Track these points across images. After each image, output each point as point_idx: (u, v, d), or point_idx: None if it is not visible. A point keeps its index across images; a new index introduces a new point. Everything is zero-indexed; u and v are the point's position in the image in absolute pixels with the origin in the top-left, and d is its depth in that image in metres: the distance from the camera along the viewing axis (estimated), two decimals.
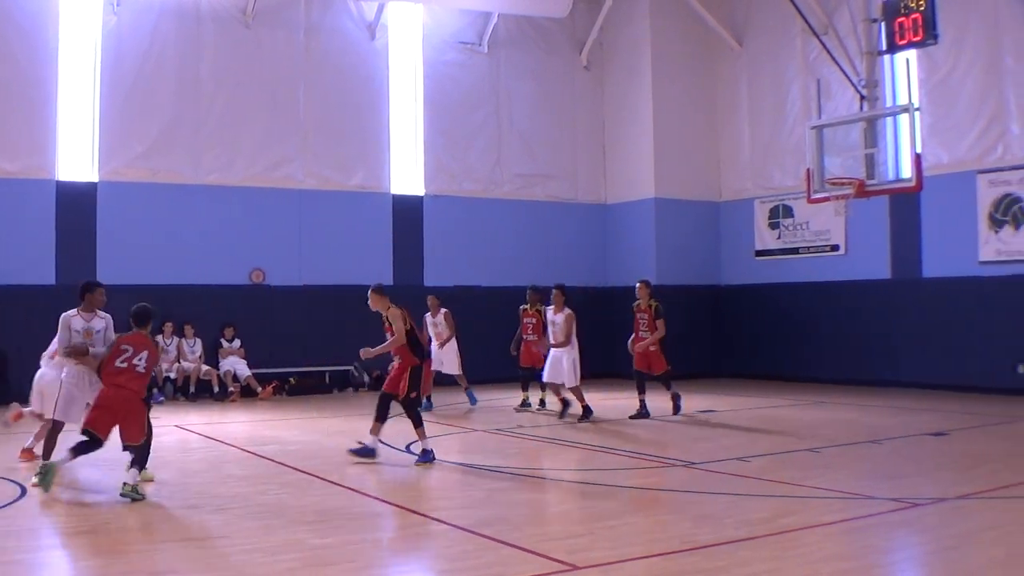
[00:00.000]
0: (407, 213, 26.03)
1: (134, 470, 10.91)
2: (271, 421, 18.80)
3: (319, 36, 25.13)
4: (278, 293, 24.08)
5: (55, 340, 12.91)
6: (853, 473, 12.61)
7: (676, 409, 18.50)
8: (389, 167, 25.98)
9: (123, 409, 11.09)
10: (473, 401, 20.27)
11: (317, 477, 12.23)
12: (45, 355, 13.51)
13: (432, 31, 26.77)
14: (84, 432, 11.09)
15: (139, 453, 11.10)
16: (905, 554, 8.99)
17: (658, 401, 18.40)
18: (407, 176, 26.40)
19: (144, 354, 11.30)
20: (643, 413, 18.24)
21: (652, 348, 18.40)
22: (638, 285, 18.79)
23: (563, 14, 27.29)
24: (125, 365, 11.19)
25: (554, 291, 18.37)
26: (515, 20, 27.62)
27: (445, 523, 9.75)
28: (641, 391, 18.48)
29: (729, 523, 9.59)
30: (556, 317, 18.23)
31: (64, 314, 11.96)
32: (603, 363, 24.52)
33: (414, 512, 10.43)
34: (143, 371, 11.31)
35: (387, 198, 25.84)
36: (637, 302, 18.66)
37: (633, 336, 18.76)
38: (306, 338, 24.00)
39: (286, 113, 24.62)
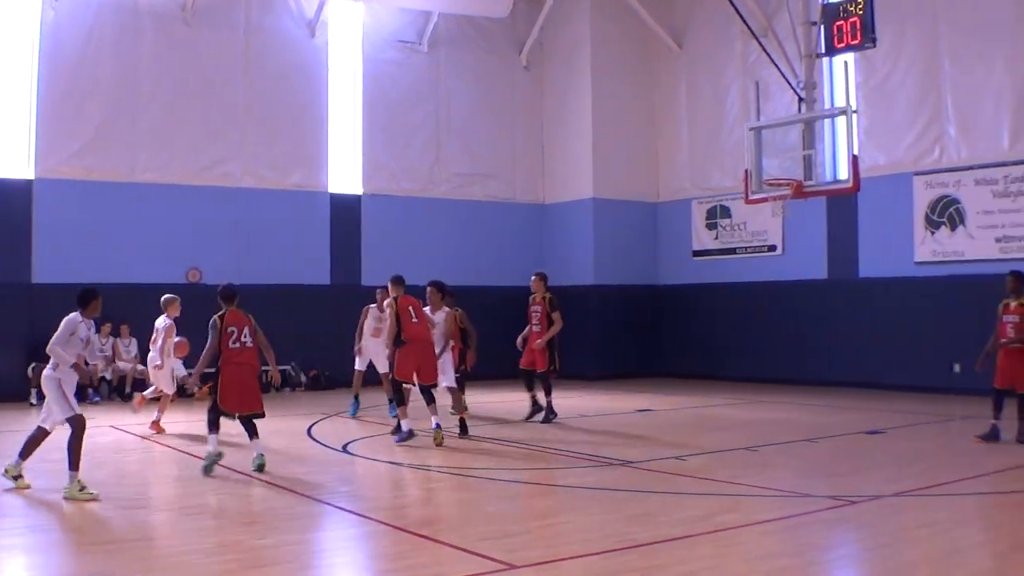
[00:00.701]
0: (345, 212, 25.92)
1: (257, 441, 12.79)
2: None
3: (259, 33, 24.94)
4: (215, 292, 23.71)
5: (162, 334, 16.52)
6: (790, 471, 12.69)
7: (533, 414, 17.68)
8: (327, 166, 25.87)
9: (248, 384, 12.86)
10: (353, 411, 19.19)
11: (254, 477, 12.13)
12: (157, 345, 16.58)
13: (372, 30, 26.68)
14: (222, 414, 12.77)
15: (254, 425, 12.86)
16: (842, 551, 9.05)
17: (591, 401, 18.39)
18: (345, 175, 26.31)
19: (246, 328, 12.92)
20: (535, 410, 17.68)
21: (539, 344, 17.49)
22: (533, 278, 18.15)
23: (503, 14, 27.30)
24: (238, 346, 12.74)
25: (429, 288, 17.22)
26: (455, 19, 27.59)
27: (383, 523, 9.69)
28: (529, 389, 17.85)
29: (666, 521, 9.61)
30: (437, 316, 16.99)
31: (71, 317, 11.32)
32: None
33: (352, 512, 10.36)
34: (252, 344, 12.90)
35: (325, 197, 25.71)
36: (533, 295, 18.01)
37: (525, 331, 18.05)
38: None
39: (224, 111, 24.41)
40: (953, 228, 22.04)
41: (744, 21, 21.52)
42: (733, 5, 20.90)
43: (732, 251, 26.71)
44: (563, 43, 28.57)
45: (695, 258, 27.72)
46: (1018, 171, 21.14)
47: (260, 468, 12.42)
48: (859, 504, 10.41)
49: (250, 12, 24.81)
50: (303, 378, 24.12)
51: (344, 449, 14.37)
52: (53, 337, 11.16)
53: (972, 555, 8.57)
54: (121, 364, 22.17)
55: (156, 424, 16.50)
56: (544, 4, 28.06)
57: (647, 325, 28.05)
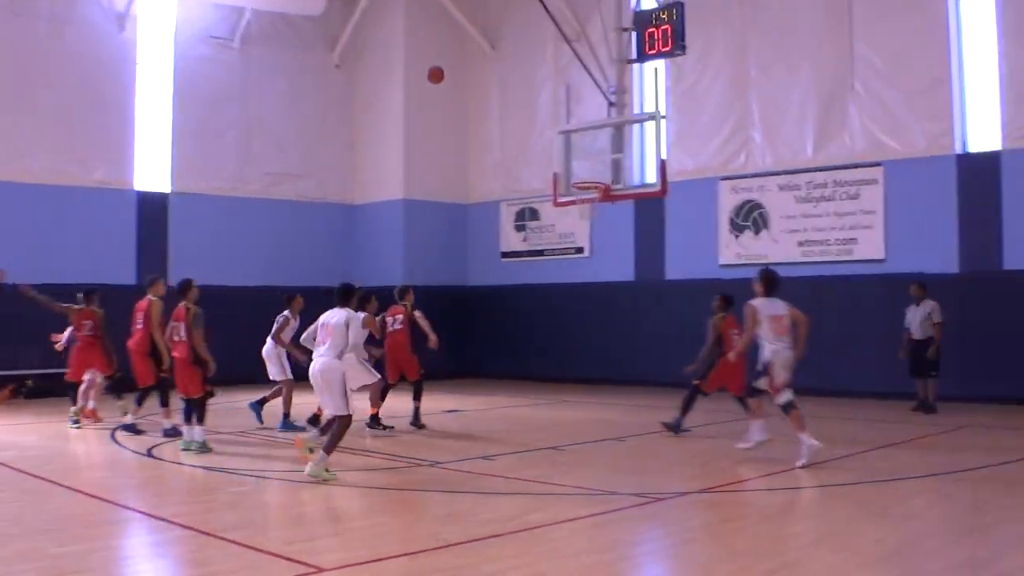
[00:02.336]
0: (153, 210, 25.35)
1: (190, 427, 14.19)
2: (8, 425, 18.02)
3: (63, 24, 24.16)
4: (12, 294, 23.04)
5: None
6: (597, 470, 12.88)
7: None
8: (134, 163, 25.27)
9: (183, 372, 14.23)
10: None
11: (56, 483, 11.77)
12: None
13: (184, 24, 26.17)
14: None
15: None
16: (649, 547, 9.20)
17: (401, 402, 18.28)
18: (154, 172, 25.74)
19: (182, 325, 14.11)
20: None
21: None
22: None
23: (317, 12, 27.12)
24: (178, 338, 14.11)
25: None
26: (268, 16, 27.26)
27: (189, 528, 9.48)
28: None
29: (476, 521, 9.64)
30: None
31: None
32: None
33: (157, 517, 10.12)
34: (185, 337, 14.13)
35: (131, 194, 25.10)
36: None
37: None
38: (44, 339, 22.96)
39: (24, 104, 23.59)
40: (757, 232, 22.69)
41: (557, 25, 21.75)
42: (546, 8, 21.08)
43: (540, 253, 27.01)
44: (376, 42, 28.48)
45: (504, 259, 27.95)
46: (820, 177, 21.88)
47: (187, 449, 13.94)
48: (666, 500, 10.63)
49: (56, 2, 24.04)
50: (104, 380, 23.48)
51: (148, 453, 14.06)
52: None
53: (777, 548, 8.78)
54: None
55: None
56: (358, 3, 27.93)
57: (457, 326, 28.10)
